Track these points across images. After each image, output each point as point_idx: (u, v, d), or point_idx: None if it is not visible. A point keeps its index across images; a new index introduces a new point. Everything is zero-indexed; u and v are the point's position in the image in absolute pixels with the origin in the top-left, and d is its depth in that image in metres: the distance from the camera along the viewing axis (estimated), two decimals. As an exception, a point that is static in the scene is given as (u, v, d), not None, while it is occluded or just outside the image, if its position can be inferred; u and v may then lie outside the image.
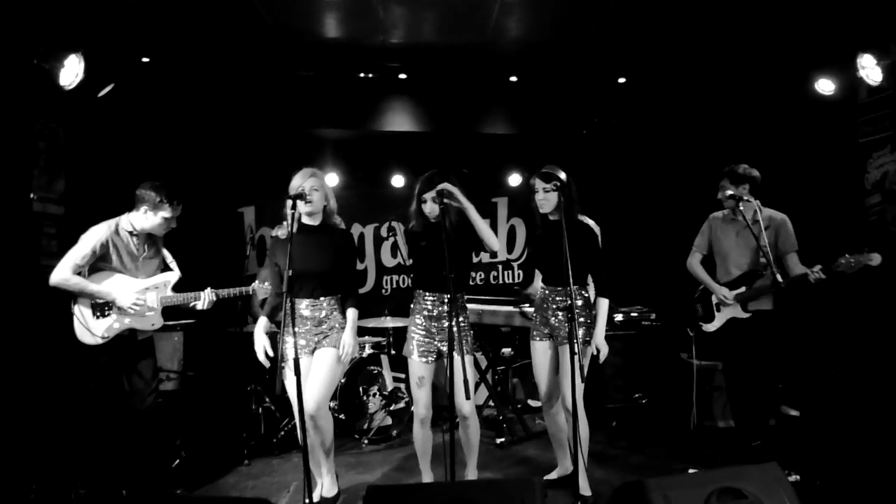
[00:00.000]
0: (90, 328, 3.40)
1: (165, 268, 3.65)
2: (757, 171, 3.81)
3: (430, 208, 3.33)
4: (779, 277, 3.46)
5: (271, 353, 3.38)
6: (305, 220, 3.42)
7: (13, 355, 3.75)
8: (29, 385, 3.83)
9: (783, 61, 4.72)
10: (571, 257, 3.16)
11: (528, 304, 4.39)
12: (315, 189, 3.34)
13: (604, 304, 3.48)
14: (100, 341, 3.40)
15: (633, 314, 4.95)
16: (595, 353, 3.46)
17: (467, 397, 2.98)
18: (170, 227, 3.52)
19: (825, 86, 4.47)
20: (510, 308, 4.97)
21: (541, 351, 3.64)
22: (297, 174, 3.38)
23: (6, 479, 3.52)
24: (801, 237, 3.81)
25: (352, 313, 3.45)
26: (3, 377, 3.67)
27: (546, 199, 3.47)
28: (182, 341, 4.70)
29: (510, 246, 7.04)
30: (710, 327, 3.99)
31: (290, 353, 3.17)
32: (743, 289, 3.82)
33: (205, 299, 3.49)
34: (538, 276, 3.80)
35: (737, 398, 4.00)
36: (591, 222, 3.55)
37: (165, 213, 3.44)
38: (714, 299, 3.95)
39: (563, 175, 3.46)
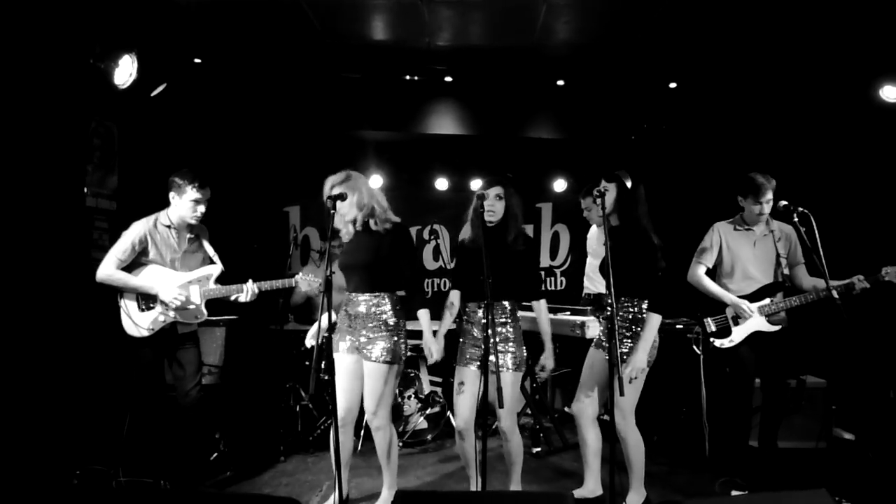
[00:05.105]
0: (136, 321, 3.49)
1: (210, 262, 3.71)
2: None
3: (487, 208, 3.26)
4: (835, 294, 3.34)
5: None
6: (348, 225, 3.31)
7: (63, 346, 3.87)
8: (76, 374, 3.95)
9: (845, 67, 4.52)
10: (631, 267, 3.02)
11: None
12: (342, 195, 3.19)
13: (653, 322, 3.21)
14: (145, 333, 3.49)
15: (678, 326, 4.78)
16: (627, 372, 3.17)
17: (500, 405, 2.92)
18: (200, 210, 3.52)
19: (891, 93, 4.28)
20: (558, 317, 4.89)
21: (596, 360, 3.48)
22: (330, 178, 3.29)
23: (51, 465, 3.63)
24: (862, 246, 3.65)
25: (424, 315, 3.40)
26: (53, 366, 3.80)
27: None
28: (224, 336, 4.78)
29: (553, 253, 6.96)
30: (729, 342, 3.75)
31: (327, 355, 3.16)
32: (767, 301, 3.68)
33: (247, 292, 3.53)
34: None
35: (770, 415, 3.80)
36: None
37: (191, 195, 3.47)
38: (729, 312, 3.76)
39: (629, 181, 3.30)
